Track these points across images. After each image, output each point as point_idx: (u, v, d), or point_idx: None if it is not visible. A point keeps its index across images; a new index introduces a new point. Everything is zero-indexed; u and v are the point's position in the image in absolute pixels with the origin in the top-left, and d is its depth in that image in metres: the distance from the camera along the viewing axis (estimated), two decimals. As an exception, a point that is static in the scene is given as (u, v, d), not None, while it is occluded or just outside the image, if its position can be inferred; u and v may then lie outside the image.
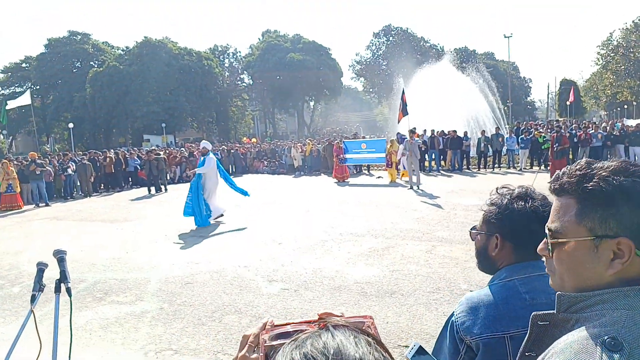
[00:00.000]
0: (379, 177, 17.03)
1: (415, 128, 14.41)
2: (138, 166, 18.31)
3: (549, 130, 18.56)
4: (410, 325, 4.12)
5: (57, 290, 2.14)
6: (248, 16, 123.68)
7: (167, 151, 21.76)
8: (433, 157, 18.02)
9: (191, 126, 44.83)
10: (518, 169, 17.03)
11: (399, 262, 5.98)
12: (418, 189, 12.62)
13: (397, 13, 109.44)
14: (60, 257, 2.14)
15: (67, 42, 43.10)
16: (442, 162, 18.21)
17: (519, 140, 17.15)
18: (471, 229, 1.39)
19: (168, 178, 18.24)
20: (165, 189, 16.30)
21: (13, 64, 43.14)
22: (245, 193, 10.03)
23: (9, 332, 4.49)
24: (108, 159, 17.66)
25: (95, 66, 41.94)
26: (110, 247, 7.87)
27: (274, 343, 0.61)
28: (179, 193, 15.51)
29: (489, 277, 1.40)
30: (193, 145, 27.23)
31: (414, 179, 12.89)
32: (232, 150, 23.26)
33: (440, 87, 26.79)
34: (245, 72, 51.79)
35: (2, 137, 43.37)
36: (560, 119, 34.32)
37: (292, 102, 50.29)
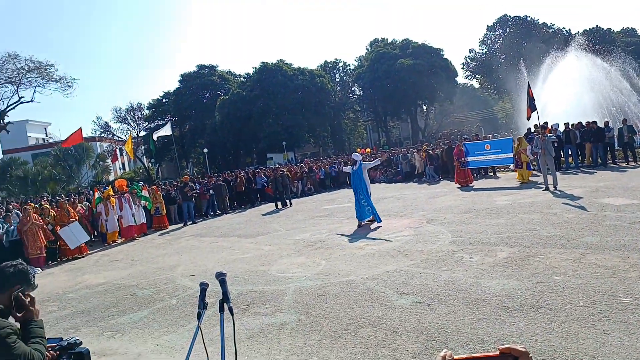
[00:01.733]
0: (504, 178, 15.86)
1: (546, 123, 13.16)
2: (265, 183, 19.60)
3: None
4: (564, 344, 3.72)
5: (221, 309, 2.35)
6: (355, 28, 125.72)
7: (289, 168, 22.95)
8: (570, 153, 16.22)
9: (308, 142, 46.75)
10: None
11: (542, 273, 5.45)
12: (555, 189, 11.45)
13: (512, 1, 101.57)
14: (221, 279, 2.35)
15: (197, 76, 48.28)
16: (581, 159, 16.30)
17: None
18: None
19: (292, 192, 19.19)
20: (290, 204, 17.16)
21: (155, 100, 49.62)
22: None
23: (172, 340, 5.08)
24: (239, 179, 19.22)
25: (222, 95, 46.21)
26: (248, 260, 8.49)
27: None
28: (303, 206, 16.26)
29: None
30: (312, 160, 28.35)
31: (550, 179, 11.73)
32: (349, 162, 23.63)
33: (570, 76, 24.16)
34: (355, 84, 52.57)
35: (151, 165, 49.99)
36: None
37: (404, 108, 49.57)
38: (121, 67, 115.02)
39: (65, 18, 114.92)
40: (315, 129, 44.26)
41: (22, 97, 33.61)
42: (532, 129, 12.24)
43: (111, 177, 42.87)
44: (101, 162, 39.24)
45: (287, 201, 17.19)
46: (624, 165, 15.31)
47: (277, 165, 21.30)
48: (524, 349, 0.63)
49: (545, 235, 7.23)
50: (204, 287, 2.42)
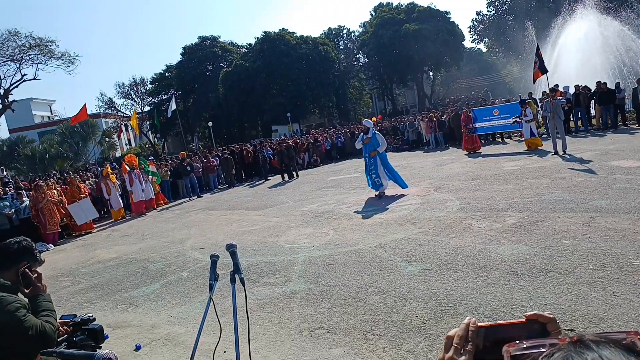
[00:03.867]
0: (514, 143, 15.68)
1: (557, 85, 12.86)
2: (271, 156, 19.57)
3: None
4: (573, 307, 3.73)
5: (232, 280, 2.36)
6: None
7: (294, 139, 22.85)
8: (579, 116, 15.94)
9: (313, 112, 46.33)
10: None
11: (552, 238, 5.43)
12: (565, 154, 11.31)
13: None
14: (232, 250, 2.35)
15: (199, 48, 47.53)
16: (592, 121, 16.02)
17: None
18: None
19: (298, 164, 19.17)
20: (297, 175, 17.16)
21: (158, 74, 49.08)
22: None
23: (185, 312, 5.18)
24: (245, 152, 19.20)
25: (225, 66, 45.61)
26: (257, 232, 8.56)
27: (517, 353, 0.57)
28: (310, 178, 16.27)
29: None
30: (317, 131, 28.17)
31: (559, 143, 11.56)
32: (355, 132, 23.46)
33: (581, 36, 23.48)
34: (360, 51, 51.60)
35: (156, 140, 50.00)
36: None
37: (410, 75, 48.73)
38: (123, 41, 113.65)
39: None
40: (320, 99, 43.76)
41: (24, 75, 33.44)
42: (532, 94, 11.95)
43: (118, 154, 43.05)
44: (107, 139, 39.29)
45: (294, 173, 17.19)
46: (635, 127, 15.04)
47: (283, 137, 21.18)
48: (551, 316, 0.60)
49: (554, 199, 7.18)
50: (214, 259, 2.43)
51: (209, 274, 2.50)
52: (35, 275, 2.14)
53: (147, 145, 46.94)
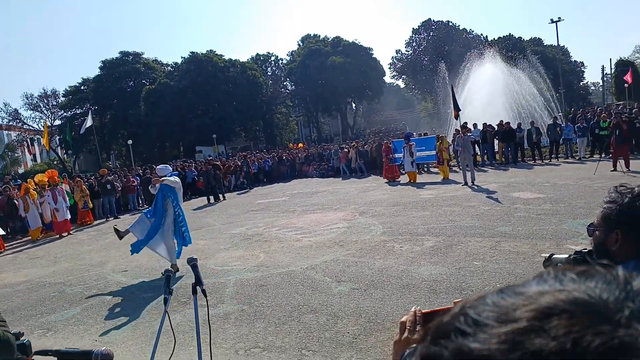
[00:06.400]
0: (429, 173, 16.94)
1: (466, 123, 14.24)
2: (195, 177, 19.19)
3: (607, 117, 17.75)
4: (484, 319, 4.22)
5: (194, 292, 2.48)
6: (288, 23, 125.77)
7: (221, 161, 22.63)
8: (485, 151, 17.69)
9: (239, 135, 46.13)
10: (577, 158, 16.41)
11: (464, 259, 6.05)
12: (473, 185, 12.49)
13: (437, 6, 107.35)
14: (193, 264, 2.47)
15: (120, 63, 45.60)
16: (496, 156, 17.84)
17: (576, 129, 16.53)
18: (589, 226, 1.55)
19: (225, 187, 18.97)
20: (224, 197, 16.98)
21: (73, 87, 46.10)
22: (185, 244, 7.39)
23: (111, 335, 4.99)
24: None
25: (147, 84, 44.12)
26: (183, 254, 8.38)
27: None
28: (237, 201, 16.18)
29: None
30: (246, 153, 28.10)
31: (469, 175, 12.76)
32: (283, 157, 23.81)
33: (487, 79, 26.18)
34: (287, 79, 52.69)
35: (66, 157, 46.51)
36: (619, 103, 32.46)
37: (335, 105, 50.61)
38: (33, 48, 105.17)
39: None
40: (247, 122, 43.81)
41: None
42: (460, 129, 13.13)
43: (21, 170, 39.38)
44: (10, 153, 35.85)
45: (220, 195, 16.99)
46: (531, 162, 17.00)
47: (211, 158, 20.89)
48: None
49: (465, 225, 7.95)
50: (168, 273, 2.53)
51: (164, 288, 2.59)
52: None
53: (55, 162, 43.47)
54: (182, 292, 6.10)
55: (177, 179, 7.34)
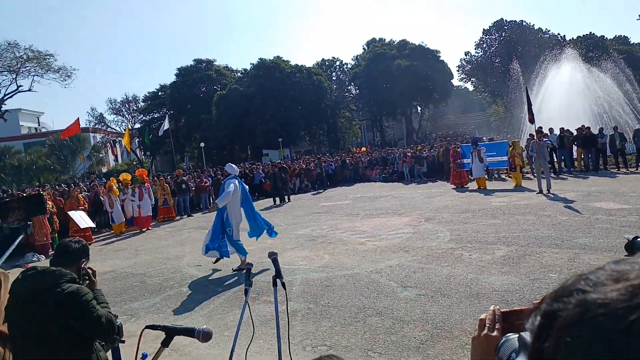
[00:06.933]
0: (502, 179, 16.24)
1: (541, 127, 13.53)
2: (262, 179, 19.81)
3: None
4: (560, 334, 4.02)
5: (274, 284, 2.63)
6: (353, 27, 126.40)
7: (287, 164, 23.18)
8: (563, 157, 16.65)
9: (303, 139, 46.97)
10: (668, 166, 15.00)
11: (539, 271, 5.77)
12: (549, 193, 11.83)
13: (509, 5, 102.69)
14: (273, 258, 2.62)
15: (194, 70, 48.21)
16: (574, 163, 16.74)
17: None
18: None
19: (290, 189, 19.40)
20: (289, 199, 17.38)
21: (151, 93, 49.42)
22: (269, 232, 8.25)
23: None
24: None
25: (219, 89, 46.22)
26: (253, 252, 8.71)
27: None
28: (301, 202, 16.51)
29: None
30: (309, 157, 28.56)
31: (544, 182, 12.10)
32: (346, 160, 23.94)
33: (565, 81, 24.64)
34: (352, 83, 52.87)
35: (144, 157, 49.83)
36: None
37: (400, 109, 49.98)
38: (117, 58, 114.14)
39: (65, 5, 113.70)
40: (312, 127, 44.49)
41: (20, 86, 33.44)
42: (534, 134, 12.47)
43: (104, 169, 42.73)
44: (96, 154, 39.09)
45: (286, 197, 17.41)
46: (614, 171, 15.75)
47: (279, 161, 21.49)
48: None
49: (540, 235, 7.56)
50: (249, 267, 2.70)
51: (245, 280, 2.77)
52: (91, 271, 2.38)
53: (134, 163, 46.74)
54: (253, 288, 6.35)
55: (229, 189, 7.54)
